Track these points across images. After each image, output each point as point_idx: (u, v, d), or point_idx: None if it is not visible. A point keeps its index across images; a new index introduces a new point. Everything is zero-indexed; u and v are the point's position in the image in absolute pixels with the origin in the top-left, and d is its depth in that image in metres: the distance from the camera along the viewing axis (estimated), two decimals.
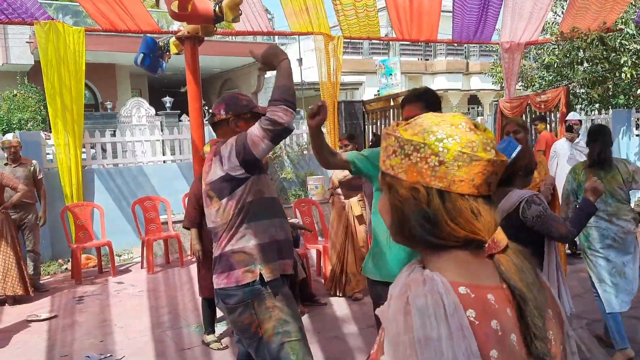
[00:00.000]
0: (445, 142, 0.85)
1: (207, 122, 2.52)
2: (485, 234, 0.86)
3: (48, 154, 7.50)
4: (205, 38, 4.80)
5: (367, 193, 4.68)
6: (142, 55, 4.78)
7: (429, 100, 2.43)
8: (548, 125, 8.32)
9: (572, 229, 2.55)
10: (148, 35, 5.32)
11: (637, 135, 9.89)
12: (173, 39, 4.56)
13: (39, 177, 6.06)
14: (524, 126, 3.79)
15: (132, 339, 4.33)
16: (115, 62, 15.58)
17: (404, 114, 2.58)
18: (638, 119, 10.08)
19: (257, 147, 2.17)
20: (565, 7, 9.74)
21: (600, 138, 3.45)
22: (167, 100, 14.58)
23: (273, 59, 2.26)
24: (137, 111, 13.20)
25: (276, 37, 16.32)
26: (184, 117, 12.04)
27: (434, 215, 0.86)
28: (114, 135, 8.15)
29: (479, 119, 16.02)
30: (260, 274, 2.23)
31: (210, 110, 2.51)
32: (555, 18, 11.21)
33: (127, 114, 13.06)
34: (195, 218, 4.18)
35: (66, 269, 6.80)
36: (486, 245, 0.87)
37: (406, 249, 2.34)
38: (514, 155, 2.53)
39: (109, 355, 4.04)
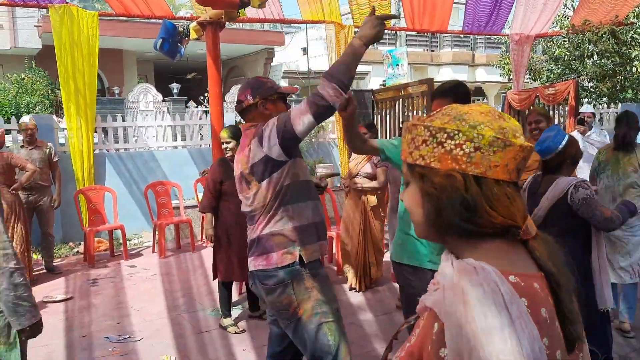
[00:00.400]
0: (479, 129, 0.87)
1: (234, 110, 2.49)
2: (520, 220, 0.88)
3: (60, 137, 7.53)
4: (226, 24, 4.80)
5: (392, 180, 4.71)
6: (161, 40, 4.79)
7: (458, 94, 2.44)
8: (555, 119, 8.38)
9: (617, 214, 2.63)
10: (167, 20, 5.32)
11: None
12: (194, 24, 4.56)
13: (54, 160, 6.09)
14: (547, 116, 3.84)
15: (149, 321, 4.39)
16: (122, 47, 15.55)
17: (433, 107, 2.64)
18: None
19: (298, 122, 2.12)
20: (576, 1, 9.73)
21: (625, 122, 3.57)
22: (175, 87, 14.54)
23: (370, 31, 2.11)
24: (145, 97, 13.19)
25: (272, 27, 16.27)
26: (190, 103, 12.04)
27: (473, 201, 0.86)
28: (122, 120, 8.18)
29: None
30: (300, 256, 2.26)
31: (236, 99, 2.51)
32: (565, 11, 11.18)
33: (134, 99, 13.06)
34: (211, 203, 4.22)
35: (77, 252, 6.86)
36: (520, 231, 0.88)
37: None
38: (563, 144, 2.59)
39: (127, 336, 4.10)
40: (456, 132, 0.87)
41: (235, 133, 4.20)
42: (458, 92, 2.45)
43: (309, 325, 2.25)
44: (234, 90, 12.90)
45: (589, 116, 6.29)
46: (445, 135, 0.88)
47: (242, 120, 2.90)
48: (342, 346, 2.31)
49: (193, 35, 4.57)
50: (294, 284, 2.26)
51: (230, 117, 7.83)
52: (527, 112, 5.09)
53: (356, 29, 8.93)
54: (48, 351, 3.87)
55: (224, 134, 4.24)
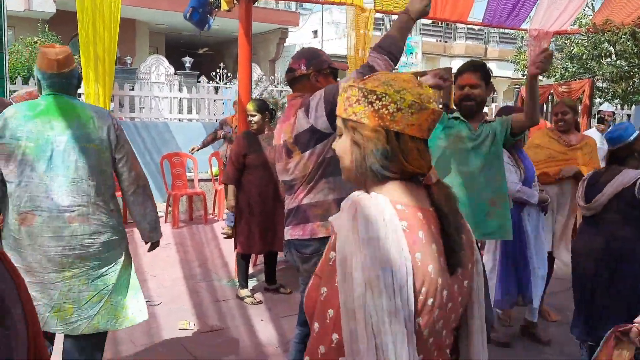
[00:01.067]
0: (402, 93, 1.06)
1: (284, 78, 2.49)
2: (425, 170, 1.10)
3: None
4: None
5: None
6: (191, 9, 4.77)
7: (486, 72, 2.69)
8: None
9: None
10: None
11: None
12: None
13: None
14: (574, 108, 3.86)
15: (166, 288, 4.45)
16: (135, 17, 15.46)
17: (461, 81, 2.71)
18: None
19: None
20: (596, 1, 9.70)
21: None
22: (187, 61, 14.46)
23: (418, 5, 2.16)
24: (157, 69, 13.14)
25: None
26: (202, 78, 12.00)
27: (392, 152, 1.07)
28: (132, 89, 8.18)
29: (493, 105, 16.00)
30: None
31: (288, 66, 2.47)
32: (585, 10, 11.13)
33: (146, 70, 13.00)
34: (234, 175, 4.25)
35: None
36: (424, 178, 1.10)
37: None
38: (634, 136, 2.66)
39: (146, 300, 4.15)
40: (384, 94, 1.06)
41: (261, 107, 4.21)
42: (485, 70, 2.68)
43: None
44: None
45: (609, 115, 6.30)
46: (375, 96, 1.07)
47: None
48: None
49: (224, 6, 4.55)
50: None
51: (231, 92, 7.82)
52: (555, 103, 5.19)
53: (377, 13, 8.89)
54: None
55: (250, 107, 4.26)
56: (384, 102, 1.06)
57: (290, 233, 2.39)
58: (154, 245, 2.73)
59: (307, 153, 2.28)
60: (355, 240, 0.97)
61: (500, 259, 3.35)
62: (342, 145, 1.14)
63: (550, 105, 9.22)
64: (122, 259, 2.50)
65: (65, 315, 2.34)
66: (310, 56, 2.42)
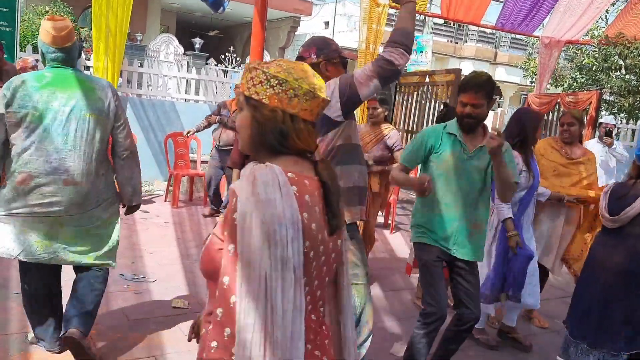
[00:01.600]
0: (299, 81, 1.23)
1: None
2: (313, 148, 1.29)
3: None
4: None
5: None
6: None
7: (491, 89, 2.59)
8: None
9: None
10: None
11: None
12: None
13: None
14: (580, 120, 3.87)
15: (162, 265, 4.49)
16: None
17: (464, 99, 2.60)
18: None
19: (364, 86, 2.19)
20: (610, 13, 9.67)
21: None
22: (197, 42, 14.46)
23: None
24: (166, 47, 13.12)
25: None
26: (211, 60, 12.00)
27: (286, 131, 1.24)
28: (140, 66, 8.17)
29: (499, 110, 16.00)
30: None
31: (299, 54, 2.45)
32: (599, 21, 11.12)
33: (155, 48, 12.99)
34: (239, 160, 4.29)
35: None
36: (311, 155, 1.29)
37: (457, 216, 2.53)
38: None
39: (142, 276, 4.20)
40: (284, 81, 1.22)
41: None
42: (490, 86, 2.59)
43: None
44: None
45: (612, 127, 6.29)
46: (277, 81, 1.22)
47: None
48: (367, 308, 2.38)
49: None
50: None
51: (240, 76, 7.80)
52: (561, 114, 5.26)
53: (391, 9, 8.87)
54: (64, 279, 3.95)
55: None
56: (284, 88, 1.22)
57: None
58: (133, 209, 3.00)
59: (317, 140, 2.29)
60: (254, 202, 1.12)
61: (497, 255, 3.36)
62: (242, 120, 1.28)
63: (555, 114, 9.22)
64: (110, 216, 2.87)
65: (44, 247, 2.67)
66: (322, 45, 2.40)
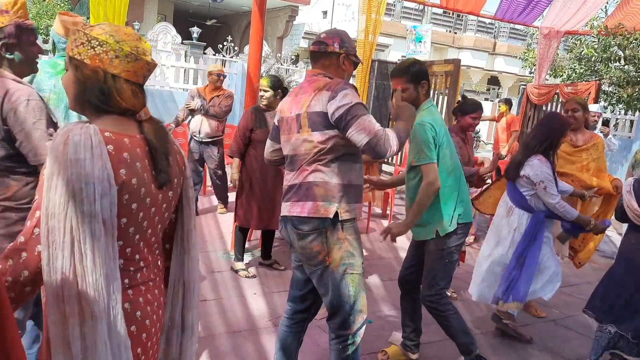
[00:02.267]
0: (121, 44, 1.29)
1: (310, 47, 2.42)
2: (138, 108, 1.35)
3: None
4: None
5: None
6: None
7: (413, 73, 2.75)
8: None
9: None
10: None
11: None
12: None
13: None
14: (585, 106, 3.93)
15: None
16: None
17: (393, 85, 2.79)
18: None
19: (357, 131, 2.18)
20: (610, 4, 9.65)
21: None
22: (195, 31, 14.37)
23: (402, 115, 2.44)
24: (164, 36, 13.05)
25: None
26: (208, 50, 11.93)
27: (108, 90, 1.30)
28: None
29: (497, 100, 15.99)
30: (336, 212, 2.28)
31: (320, 39, 2.39)
32: (598, 12, 11.08)
33: (153, 37, 12.91)
34: (240, 149, 4.28)
35: None
36: (137, 115, 1.36)
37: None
38: None
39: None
40: (105, 42, 1.29)
41: (275, 84, 4.22)
42: (415, 72, 2.75)
43: (335, 274, 2.31)
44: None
45: (598, 116, 6.29)
46: (98, 43, 1.28)
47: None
48: (360, 298, 2.38)
49: None
50: (328, 232, 2.29)
51: (238, 66, 7.73)
52: (565, 101, 5.32)
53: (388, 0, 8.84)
54: None
55: (264, 82, 4.26)
56: (104, 49, 1.28)
57: (288, 209, 2.37)
58: None
59: (316, 133, 2.27)
60: (63, 161, 1.19)
61: (516, 255, 3.42)
62: (67, 79, 1.34)
63: (554, 105, 9.22)
64: None
65: None
66: (346, 38, 2.40)
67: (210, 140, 5.67)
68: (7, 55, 2.09)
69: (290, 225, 2.38)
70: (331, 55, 2.38)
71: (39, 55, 2.24)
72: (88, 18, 7.39)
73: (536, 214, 3.37)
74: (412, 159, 2.77)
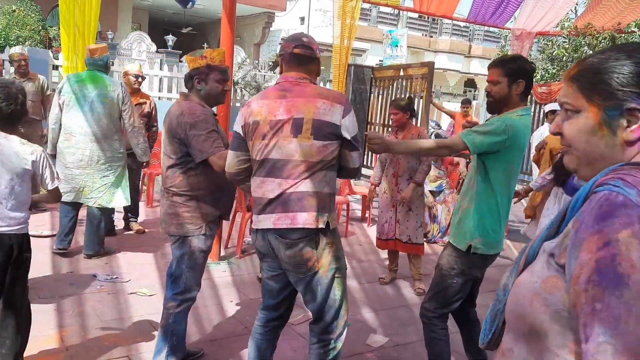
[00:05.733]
0: None
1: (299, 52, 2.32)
2: None
3: (54, 76, 7.37)
4: None
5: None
6: None
7: (512, 68, 2.53)
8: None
9: None
10: None
11: None
12: None
13: (47, 93, 5.96)
14: None
15: (135, 265, 4.43)
16: None
17: (488, 77, 2.62)
18: None
19: (357, 159, 2.34)
20: (580, 5, 9.83)
21: None
22: (170, 39, 14.26)
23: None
24: (138, 45, 12.95)
25: None
26: (184, 58, 11.88)
27: None
28: (112, 65, 8.05)
29: (474, 102, 16.16)
30: (327, 222, 2.24)
31: (305, 44, 2.33)
32: (568, 13, 11.29)
33: (127, 46, 12.80)
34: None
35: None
36: None
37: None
38: None
39: (115, 276, 4.13)
40: None
41: None
42: (512, 65, 2.54)
43: (324, 279, 2.27)
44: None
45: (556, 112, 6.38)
46: None
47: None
48: (344, 302, 2.37)
49: None
50: (317, 239, 2.24)
51: None
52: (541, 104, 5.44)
53: (362, 3, 8.88)
54: (34, 282, 3.88)
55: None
56: None
57: (273, 222, 2.23)
58: (145, 165, 4.92)
59: (318, 142, 2.19)
60: None
61: None
62: None
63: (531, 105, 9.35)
64: (120, 169, 4.50)
65: (84, 194, 4.39)
66: (317, 44, 2.40)
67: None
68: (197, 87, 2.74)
69: (273, 236, 2.25)
70: (315, 61, 2.36)
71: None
72: (60, 28, 7.28)
73: None
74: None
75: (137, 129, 4.51)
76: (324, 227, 2.23)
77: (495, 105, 2.59)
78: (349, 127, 2.23)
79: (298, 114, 2.20)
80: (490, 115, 2.72)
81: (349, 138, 2.23)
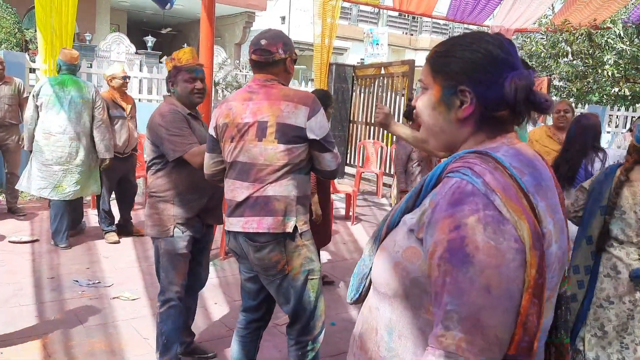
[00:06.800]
0: None
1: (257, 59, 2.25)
2: None
3: (30, 79, 7.26)
4: None
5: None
6: None
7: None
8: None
9: None
10: None
11: (607, 132, 10.35)
12: None
13: (24, 96, 5.87)
14: (572, 107, 4.31)
15: (119, 269, 4.39)
16: None
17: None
18: (611, 116, 10.54)
19: (331, 161, 2.30)
20: (557, 3, 9.95)
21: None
22: (149, 40, 14.10)
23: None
24: (117, 47, 12.78)
25: None
26: (164, 59, 11.75)
27: None
28: (90, 67, 7.95)
29: None
30: (295, 226, 2.23)
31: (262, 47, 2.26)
32: (547, 10, 11.43)
33: (106, 48, 12.63)
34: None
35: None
36: None
37: None
38: None
39: (97, 281, 4.09)
40: None
41: None
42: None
43: (296, 281, 2.26)
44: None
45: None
46: None
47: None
48: (320, 302, 2.36)
49: None
50: (286, 242, 2.23)
51: None
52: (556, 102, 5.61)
53: (342, 2, 8.89)
54: (16, 289, 3.83)
55: None
56: None
57: (242, 225, 2.23)
58: (105, 161, 4.88)
59: (282, 145, 2.17)
60: None
61: None
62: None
63: None
64: (93, 163, 4.87)
65: (60, 190, 4.72)
66: (287, 41, 2.30)
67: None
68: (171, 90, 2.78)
69: (243, 238, 2.26)
70: (278, 62, 2.27)
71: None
72: (36, 30, 7.17)
73: None
74: None
75: (105, 126, 4.83)
76: (291, 231, 2.21)
77: None
78: (314, 128, 2.18)
79: (262, 117, 2.19)
80: None
81: (317, 139, 2.20)
